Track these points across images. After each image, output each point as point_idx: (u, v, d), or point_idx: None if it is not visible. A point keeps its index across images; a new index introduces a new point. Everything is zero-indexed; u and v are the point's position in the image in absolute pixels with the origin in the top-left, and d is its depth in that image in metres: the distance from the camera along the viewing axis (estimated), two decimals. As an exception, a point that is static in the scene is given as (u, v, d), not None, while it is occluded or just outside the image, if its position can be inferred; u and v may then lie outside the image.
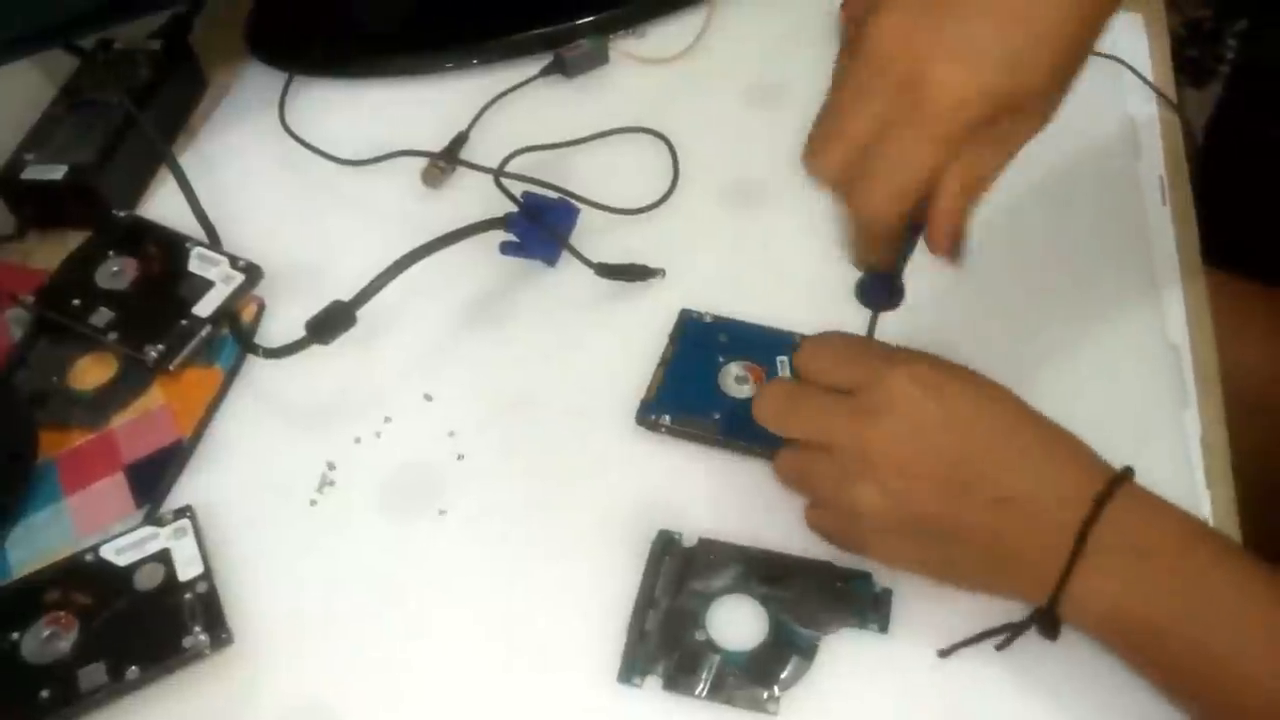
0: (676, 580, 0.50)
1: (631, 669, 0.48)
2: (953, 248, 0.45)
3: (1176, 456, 0.53)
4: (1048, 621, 0.45)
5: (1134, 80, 0.69)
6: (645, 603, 0.50)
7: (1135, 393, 0.56)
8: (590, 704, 0.48)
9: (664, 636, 0.49)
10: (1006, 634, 0.47)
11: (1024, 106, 0.42)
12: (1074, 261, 0.61)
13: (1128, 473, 0.45)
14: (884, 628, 0.49)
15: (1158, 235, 0.62)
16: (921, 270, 0.63)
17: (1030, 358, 0.57)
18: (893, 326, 0.50)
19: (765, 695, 0.47)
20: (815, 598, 0.49)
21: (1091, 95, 0.68)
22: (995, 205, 0.63)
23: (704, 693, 0.47)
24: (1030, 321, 0.59)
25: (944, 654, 0.48)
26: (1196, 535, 0.45)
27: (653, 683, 0.48)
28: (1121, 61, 0.69)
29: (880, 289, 0.49)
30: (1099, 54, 0.69)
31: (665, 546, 0.51)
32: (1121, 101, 0.68)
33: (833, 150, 0.44)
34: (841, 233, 0.47)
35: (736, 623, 0.49)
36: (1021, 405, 0.46)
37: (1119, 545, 0.43)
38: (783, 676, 0.47)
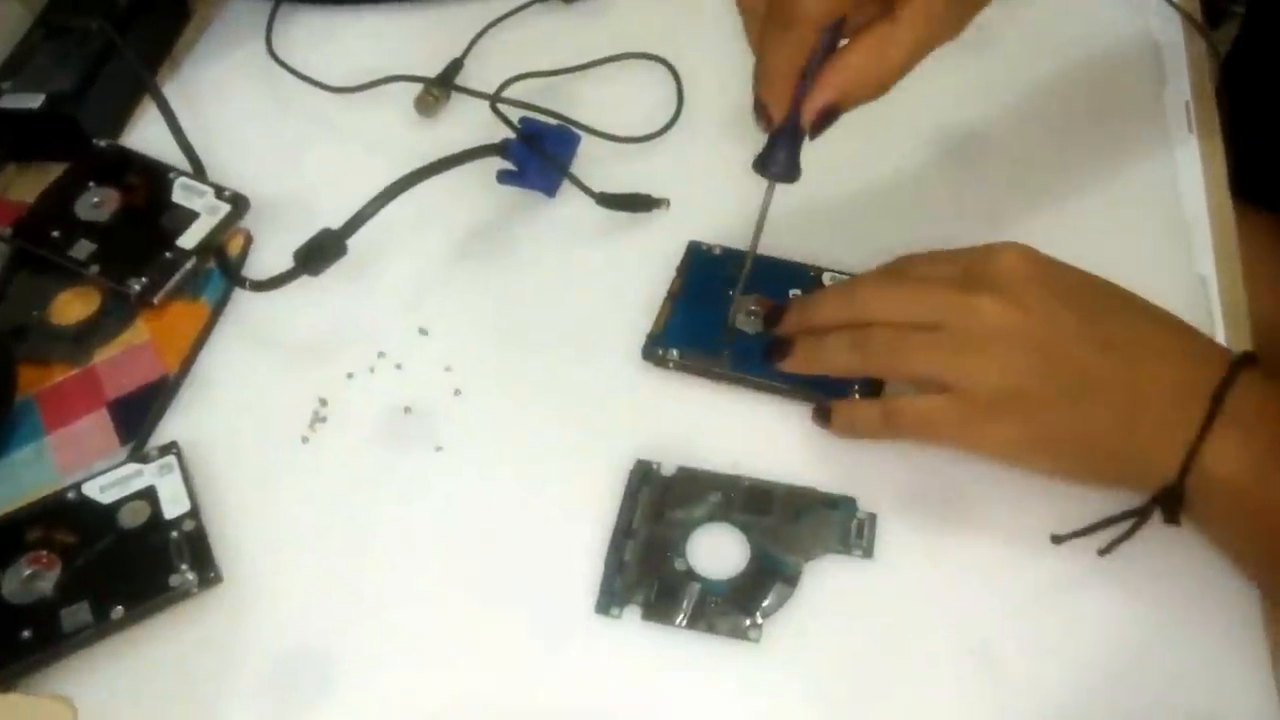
0: (655, 510, 0.49)
1: (610, 599, 0.47)
2: (819, 123, 0.45)
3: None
4: (1172, 498, 0.43)
5: (1159, 3, 0.66)
6: (623, 533, 0.48)
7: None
8: (568, 635, 0.47)
9: (643, 566, 0.47)
10: (1134, 519, 0.44)
11: None
12: (1096, 189, 0.58)
13: (1252, 356, 0.43)
14: (868, 553, 0.47)
15: (1183, 163, 0.59)
16: (937, 200, 0.61)
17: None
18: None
19: (747, 623, 0.46)
20: (798, 525, 0.47)
21: (1115, 19, 0.66)
22: (1018, 126, 0.61)
23: (684, 622, 0.46)
24: (1052, 248, 0.56)
25: (1058, 540, 0.46)
26: None
27: (631, 613, 0.46)
28: (1146, -16, 0.66)
29: (780, 155, 0.47)
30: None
31: (643, 476, 0.50)
32: (1146, 26, 0.65)
33: None
34: (755, 74, 0.46)
35: (717, 551, 0.48)
36: None
37: (1253, 414, 0.42)
38: (765, 604, 0.46)
